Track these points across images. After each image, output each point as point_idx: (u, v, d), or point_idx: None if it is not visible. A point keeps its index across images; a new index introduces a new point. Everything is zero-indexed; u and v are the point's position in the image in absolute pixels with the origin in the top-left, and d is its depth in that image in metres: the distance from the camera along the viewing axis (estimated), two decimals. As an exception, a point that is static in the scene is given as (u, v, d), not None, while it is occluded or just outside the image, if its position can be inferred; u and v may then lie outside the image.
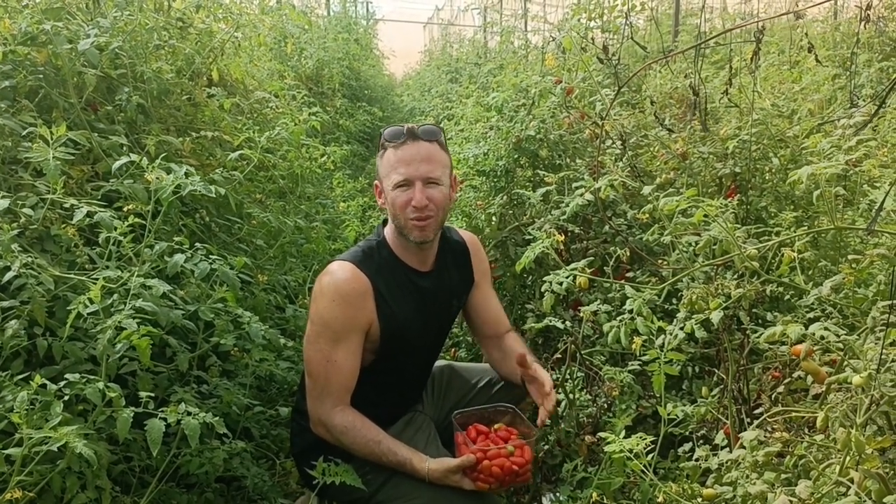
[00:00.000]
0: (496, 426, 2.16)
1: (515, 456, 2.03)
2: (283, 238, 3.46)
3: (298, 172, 3.98)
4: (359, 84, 10.34)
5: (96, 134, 2.59)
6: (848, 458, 1.32)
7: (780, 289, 2.13)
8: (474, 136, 4.21)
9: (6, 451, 1.64)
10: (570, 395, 2.55)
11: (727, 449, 1.84)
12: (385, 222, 2.27)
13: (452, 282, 2.33)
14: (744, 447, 1.65)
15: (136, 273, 2.02)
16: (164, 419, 1.85)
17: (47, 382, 1.71)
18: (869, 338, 1.55)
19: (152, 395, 1.91)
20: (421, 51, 18.59)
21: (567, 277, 2.01)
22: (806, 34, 2.95)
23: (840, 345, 1.56)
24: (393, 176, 2.08)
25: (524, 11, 8.84)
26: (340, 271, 2.11)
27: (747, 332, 2.20)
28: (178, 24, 3.45)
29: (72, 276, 2.08)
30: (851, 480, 1.30)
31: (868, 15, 2.47)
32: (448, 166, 2.16)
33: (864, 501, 1.24)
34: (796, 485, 1.41)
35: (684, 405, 2.21)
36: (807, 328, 1.57)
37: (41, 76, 2.61)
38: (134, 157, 2.30)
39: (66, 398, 1.74)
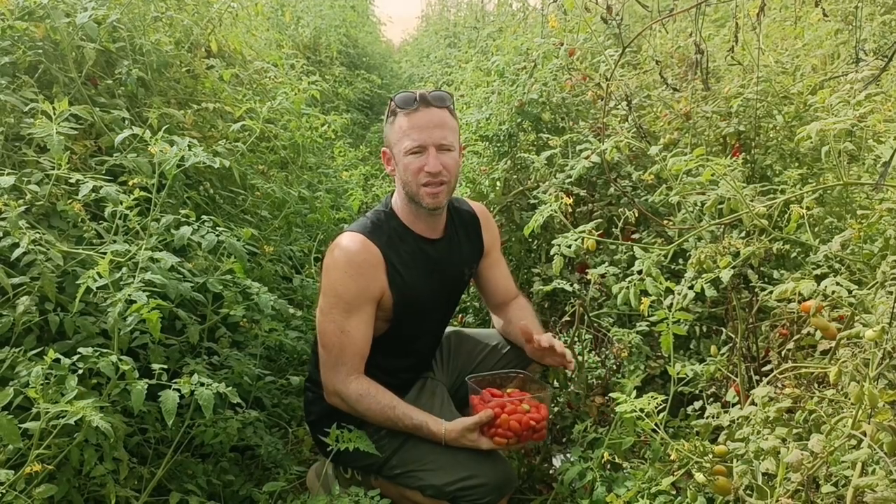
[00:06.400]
0: (508, 390, 2.18)
1: (532, 412, 2.05)
2: (288, 208, 3.45)
3: (300, 142, 3.96)
4: (357, 52, 10.26)
5: (97, 108, 2.57)
6: (860, 411, 1.33)
7: (787, 246, 2.13)
8: (475, 101, 4.18)
9: (24, 426, 1.66)
10: (579, 358, 2.56)
11: (738, 406, 1.85)
12: (394, 193, 2.27)
13: (463, 251, 2.33)
14: (754, 404, 1.66)
15: (143, 246, 2.02)
16: (178, 390, 1.86)
17: (61, 357, 1.73)
18: (879, 292, 1.55)
19: (165, 367, 1.93)
20: (418, 16, 18.37)
21: (576, 240, 2.00)
22: (811, -13, 2.90)
23: (851, 300, 1.56)
24: (405, 142, 2.06)
25: (521, -27, 8.70)
26: (351, 243, 2.11)
27: (755, 290, 2.20)
28: (175, -5, 3.42)
29: (80, 251, 2.08)
30: (864, 433, 1.31)
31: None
32: (458, 132, 2.16)
33: (877, 454, 1.25)
34: (807, 440, 1.42)
35: (693, 365, 2.22)
36: (818, 284, 1.58)
37: (40, 51, 2.59)
38: (136, 130, 2.29)
39: (80, 372, 1.75)
